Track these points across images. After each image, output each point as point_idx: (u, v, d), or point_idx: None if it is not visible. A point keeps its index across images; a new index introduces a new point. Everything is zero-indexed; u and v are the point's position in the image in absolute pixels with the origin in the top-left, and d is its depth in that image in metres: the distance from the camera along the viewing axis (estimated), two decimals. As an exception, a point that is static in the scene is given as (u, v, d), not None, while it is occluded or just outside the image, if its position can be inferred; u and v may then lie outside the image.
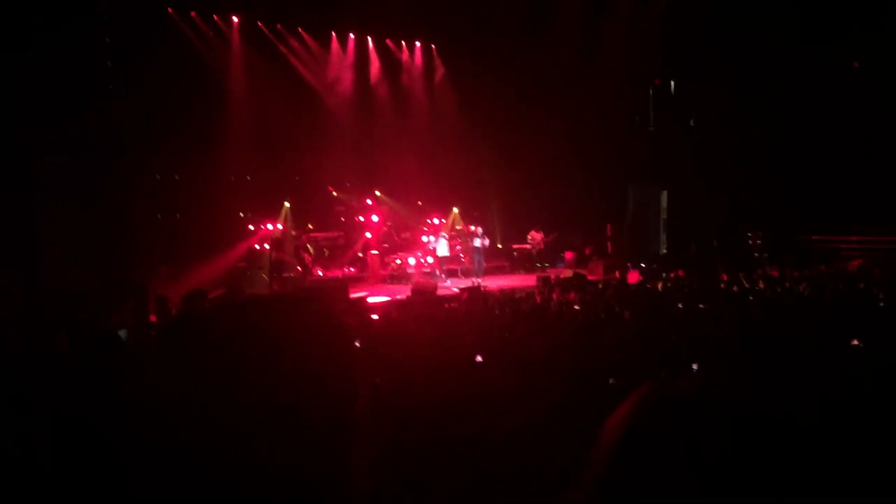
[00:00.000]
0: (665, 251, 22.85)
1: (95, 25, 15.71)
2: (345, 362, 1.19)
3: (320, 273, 19.05)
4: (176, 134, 16.63)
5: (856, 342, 6.04)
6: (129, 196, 16.21)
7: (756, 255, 19.82)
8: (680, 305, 9.49)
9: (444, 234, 20.31)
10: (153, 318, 11.17)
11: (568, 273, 17.84)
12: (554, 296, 11.74)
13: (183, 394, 1.10)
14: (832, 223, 19.73)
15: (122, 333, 4.71)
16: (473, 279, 18.46)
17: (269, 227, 18.31)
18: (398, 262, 19.36)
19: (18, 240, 13.05)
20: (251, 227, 18.26)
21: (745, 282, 13.05)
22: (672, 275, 15.47)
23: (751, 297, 10.76)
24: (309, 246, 19.38)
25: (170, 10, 17.91)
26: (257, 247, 17.89)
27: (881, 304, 9.15)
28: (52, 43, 14.45)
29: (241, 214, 18.84)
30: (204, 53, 18.59)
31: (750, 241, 20.90)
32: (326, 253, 19.95)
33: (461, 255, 20.71)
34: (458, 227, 21.67)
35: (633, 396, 1.03)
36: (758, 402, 1.00)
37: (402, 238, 20.48)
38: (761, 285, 12.58)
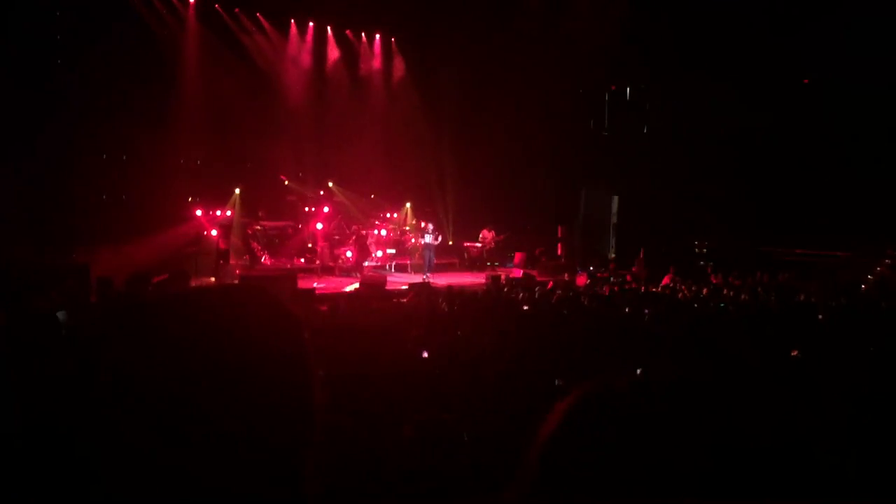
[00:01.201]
0: (614, 255, 23.16)
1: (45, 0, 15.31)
2: (297, 355, 1.14)
3: (268, 262, 18.86)
4: (126, 113, 16.27)
5: (794, 353, 6.17)
6: (75, 174, 15.83)
7: (701, 262, 20.20)
8: (627, 310, 9.61)
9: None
10: (93, 300, 10.90)
11: (517, 273, 17.97)
12: (503, 295, 11.78)
13: (126, 383, 1.05)
14: (780, 234, 20.13)
15: (61, 314, 4.56)
16: (423, 275, 18.45)
17: (218, 213, 18.02)
18: (348, 254, 19.26)
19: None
20: (199, 211, 17.95)
21: (688, 290, 13.28)
22: (619, 279, 15.68)
23: (695, 305, 10.95)
24: (258, 234, 19.14)
25: (125, -13, 17.52)
26: (205, 233, 17.59)
27: (819, 317, 9.38)
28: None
29: (189, 199, 18.51)
30: (158, 33, 18.21)
31: (696, 250, 21.32)
32: (276, 242, 19.73)
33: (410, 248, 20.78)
34: (409, 224, 21.65)
35: (569, 396, 1.03)
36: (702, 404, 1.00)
37: (352, 230, 20.35)
38: (705, 292, 12.82)
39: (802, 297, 11.34)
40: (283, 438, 1.08)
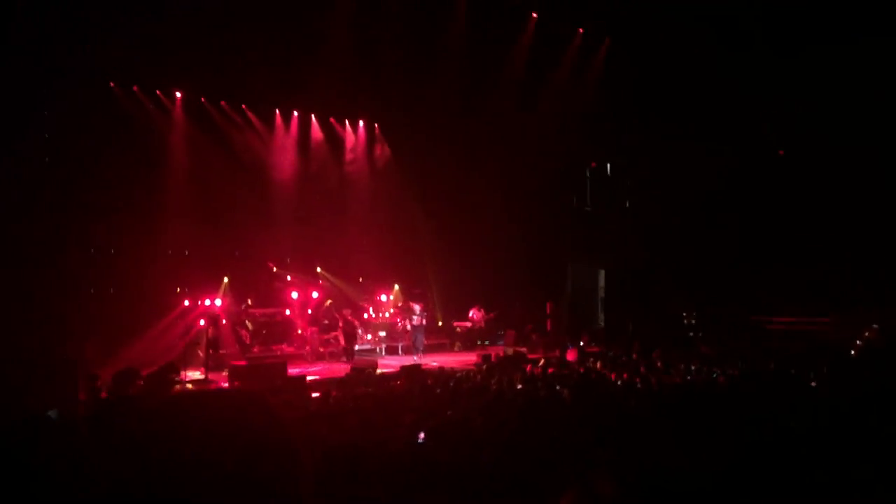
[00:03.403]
0: (603, 328, 23.18)
1: (34, 97, 15.58)
2: (284, 457, 1.21)
3: (257, 350, 18.71)
4: (114, 207, 16.42)
5: (789, 422, 6.17)
6: (63, 269, 15.82)
7: (690, 333, 20.22)
8: (619, 382, 9.62)
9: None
10: (82, 396, 10.77)
11: (508, 351, 17.94)
12: (494, 375, 11.75)
13: (120, 482, 1.10)
14: (765, 302, 20.19)
15: (53, 414, 4.54)
16: (414, 357, 18.42)
17: (207, 302, 17.98)
18: (338, 339, 19.19)
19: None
20: (187, 302, 17.89)
21: (678, 365, 13.25)
22: (610, 353, 15.66)
23: (689, 377, 10.97)
24: (247, 322, 19.05)
25: (112, 83, 17.86)
26: (194, 322, 17.49)
27: (812, 385, 9.41)
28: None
29: (178, 289, 18.49)
30: (145, 127, 18.48)
31: (684, 321, 21.36)
32: (265, 329, 19.63)
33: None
34: (391, 308, 21.63)
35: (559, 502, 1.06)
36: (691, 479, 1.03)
37: (340, 315, 20.31)
38: (694, 367, 12.79)
39: (793, 371, 11.33)
40: None
